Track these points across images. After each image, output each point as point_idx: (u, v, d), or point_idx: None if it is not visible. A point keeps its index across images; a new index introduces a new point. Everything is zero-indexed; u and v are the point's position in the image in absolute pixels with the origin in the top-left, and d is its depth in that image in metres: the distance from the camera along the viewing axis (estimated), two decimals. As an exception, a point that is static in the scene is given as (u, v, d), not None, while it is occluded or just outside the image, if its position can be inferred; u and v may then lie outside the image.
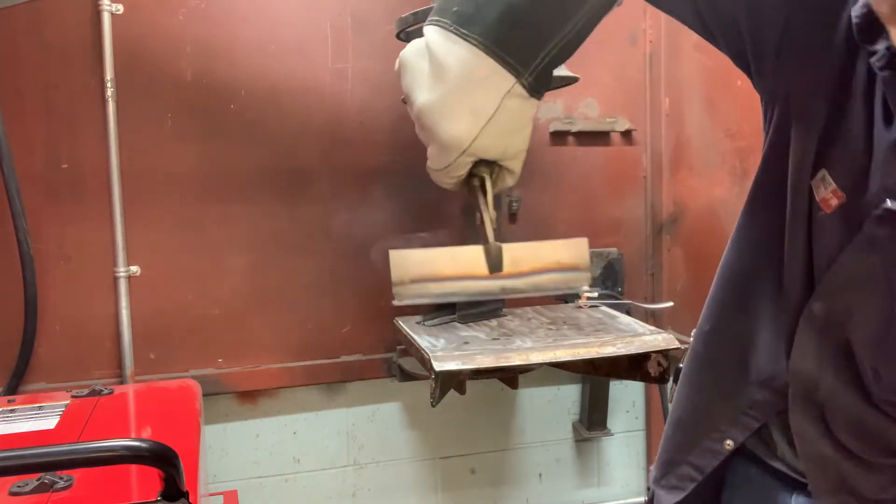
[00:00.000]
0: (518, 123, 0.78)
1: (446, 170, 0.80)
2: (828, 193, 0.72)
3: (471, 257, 0.81)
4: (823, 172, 0.73)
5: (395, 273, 0.79)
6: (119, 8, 1.70)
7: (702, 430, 0.89)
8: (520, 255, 0.82)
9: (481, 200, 0.82)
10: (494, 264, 0.81)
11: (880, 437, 0.73)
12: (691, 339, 0.94)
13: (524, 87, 0.75)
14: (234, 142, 1.80)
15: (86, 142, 1.70)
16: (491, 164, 0.82)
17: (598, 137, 2.07)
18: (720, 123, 1.82)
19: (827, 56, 0.72)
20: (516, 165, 0.83)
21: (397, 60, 0.83)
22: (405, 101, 0.85)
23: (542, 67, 0.75)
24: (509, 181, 0.85)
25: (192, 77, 1.76)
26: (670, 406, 0.97)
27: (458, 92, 0.75)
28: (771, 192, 0.80)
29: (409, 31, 1.60)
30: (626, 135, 2.10)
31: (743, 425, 0.84)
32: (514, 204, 1.95)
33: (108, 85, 1.69)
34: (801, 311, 0.76)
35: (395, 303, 0.82)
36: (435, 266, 0.80)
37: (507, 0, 0.73)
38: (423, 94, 0.78)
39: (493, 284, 0.81)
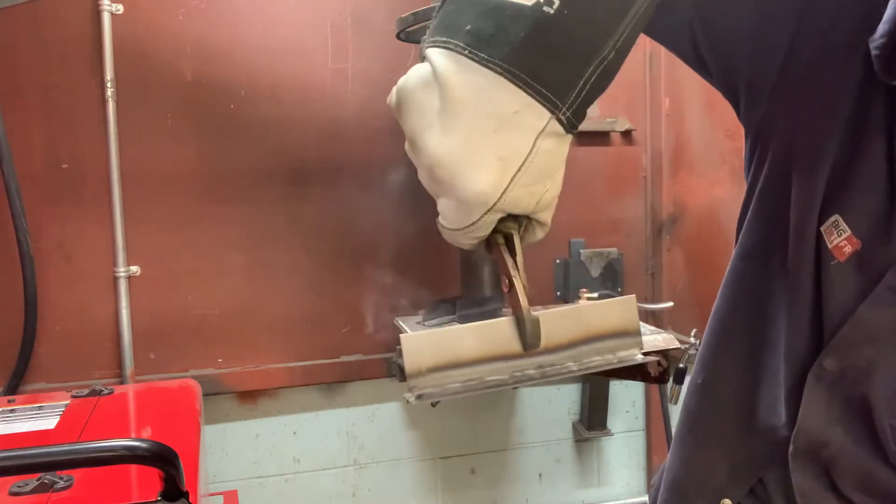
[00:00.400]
0: (552, 166, 0.65)
1: (467, 230, 0.65)
2: (841, 240, 0.67)
3: (500, 334, 0.68)
4: (836, 217, 0.68)
5: (410, 362, 0.65)
6: (119, 8, 1.70)
7: (697, 492, 0.84)
8: (557, 324, 0.69)
9: (508, 262, 0.67)
10: (531, 340, 0.68)
11: (892, 493, 0.69)
12: (687, 344, 0.91)
13: (561, 123, 0.62)
14: (233, 142, 1.80)
15: (86, 142, 1.70)
16: (518, 218, 0.68)
17: (598, 137, 2.07)
18: (720, 123, 1.82)
19: (839, 86, 0.67)
20: (548, 216, 0.69)
21: (393, 94, 0.68)
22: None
23: (582, 98, 0.62)
24: (539, 234, 0.70)
25: (192, 77, 1.76)
26: (671, 405, 0.95)
27: (480, 134, 0.61)
28: (767, 236, 0.76)
29: (409, 31, 1.60)
30: (626, 135, 2.10)
31: (740, 481, 0.80)
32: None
33: (108, 85, 1.69)
34: (806, 364, 0.71)
35: (410, 399, 0.67)
36: (457, 349, 0.67)
37: (535, 15, 0.58)
38: (434, 138, 0.62)
39: (529, 363, 0.69)
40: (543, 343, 0.68)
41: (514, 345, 0.68)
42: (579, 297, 1.80)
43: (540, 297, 2.01)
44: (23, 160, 1.65)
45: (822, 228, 0.69)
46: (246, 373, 1.84)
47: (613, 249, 2.07)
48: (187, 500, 0.76)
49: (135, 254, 1.75)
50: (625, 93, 2.08)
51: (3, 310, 1.66)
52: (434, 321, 1.64)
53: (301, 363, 1.88)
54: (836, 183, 0.68)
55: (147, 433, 1.23)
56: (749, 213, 0.79)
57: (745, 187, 0.80)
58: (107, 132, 1.70)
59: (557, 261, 2.04)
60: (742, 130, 0.82)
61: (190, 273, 1.79)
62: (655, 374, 1.44)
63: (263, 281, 1.84)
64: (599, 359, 0.70)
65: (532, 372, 0.68)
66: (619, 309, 0.72)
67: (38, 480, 0.92)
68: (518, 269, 0.67)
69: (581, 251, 2.04)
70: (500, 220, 0.66)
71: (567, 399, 2.16)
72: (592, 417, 2.11)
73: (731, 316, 0.82)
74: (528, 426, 2.14)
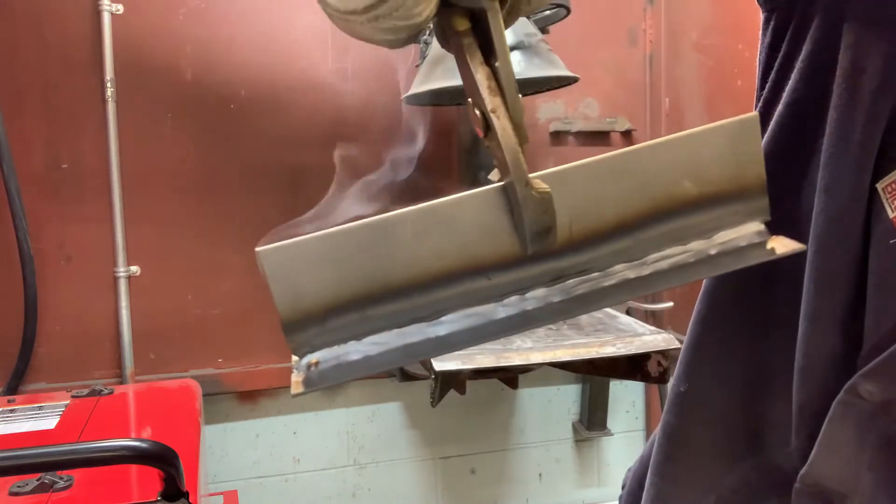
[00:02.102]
0: None
1: (373, 11, 0.33)
2: None
3: (475, 221, 0.33)
4: None
5: (285, 296, 0.35)
6: (119, 8, 1.70)
7: None
8: (592, 189, 0.33)
9: (479, 74, 0.32)
10: (538, 229, 0.32)
11: None
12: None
13: None
14: (234, 141, 1.79)
15: (86, 142, 1.70)
16: None
17: (598, 137, 2.07)
18: (720, 123, 1.82)
19: None
20: None
21: None
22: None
23: None
24: None
25: (192, 77, 1.76)
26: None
27: None
28: (788, 183, 0.53)
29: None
30: (627, 135, 2.10)
31: None
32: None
33: (108, 85, 1.69)
34: (830, 377, 0.52)
35: (297, 378, 0.38)
36: (384, 258, 0.32)
37: None
38: None
39: (537, 274, 0.33)
40: (566, 231, 0.33)
41: (505, 239, 0.33)
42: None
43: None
44: (23, 160, 1.64)
45: (880, 185, 0.47)
46: (246, 373, 1.84)
47: (613, 249, 2.07)
48: (187, 500, 0.76)
49: (135, 254, 1.75)
50: (625, 93, 2.08)
51: (3, 310, 1.66)
52: (434, 321, 1.63)
53: (301, 363, 1.88)
54: None
55: (147, 433, 1.23)
56: (764, 143, 0.54)
57: None
58: (107, 132, 1.70)
59: (557, 261, 2.04)
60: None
61: (190, 273, 1.79)
62: (655, 374, 1.43)
63: (263, 281, 1.84)
64: (685, 250, 0.36)
65: (544, 292, 0.33)
66: (724, 142, 0.36)
67: (38, 480, 0.92)
68: (501, 87, 0.32)
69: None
70: None
71: (567, 399, 2.16)
72: (592, 417, 2.10)
73: (723, 302, 0.61)
74: (528, 426, 2.14)
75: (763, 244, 0.38)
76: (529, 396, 2.13)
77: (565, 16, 1.59)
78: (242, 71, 1.79)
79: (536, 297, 0.34)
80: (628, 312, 1.85)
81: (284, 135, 1.83)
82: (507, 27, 0.33)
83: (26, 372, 1.68)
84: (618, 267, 0.34)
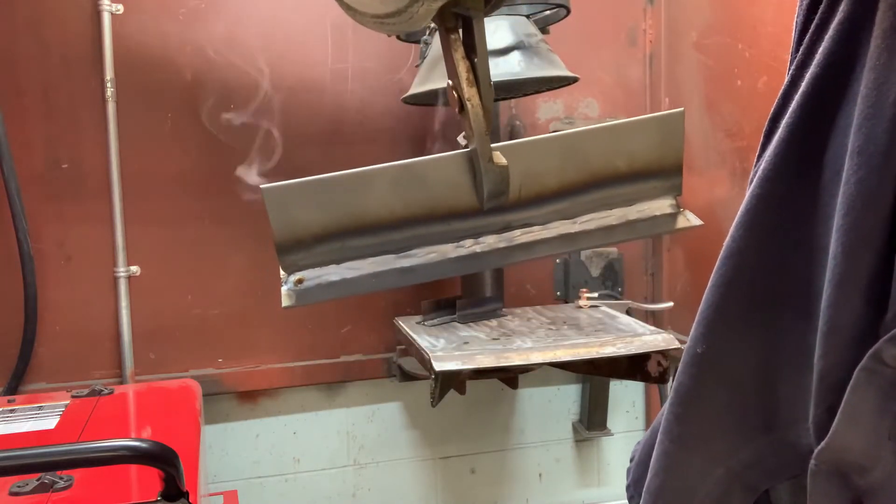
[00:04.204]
0: None
1: (389, 20, 0.39)
2: None
3: (441, 178, 0.41)
4: None
5: (280, 224, 0.39)
6: (119, 8, 1.70)
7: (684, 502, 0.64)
8: (543, 160, 0.40)
9: (460, 66, 0.38)
10: (496, 185, 0.38)
11: None
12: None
13: None
14: (233, 142, 1.79)
15: (86, 142, 1.70)
16: None
17: (598, 137, 2.07)
18: (720, 123, 1.82)
19: None
20: None
21: None
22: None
23: None
24: None
25: (192, 77, 1.76)
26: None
27: None
28: (817, 154, 0.52)
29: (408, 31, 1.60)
30: (626, 135, 2.10)
31: (738, 495, 0.60)
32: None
33: (108, 85, 1.69)
34: (854, 345, 0.50)
35: (286, 289, 0.42)
36: (363, 202, 0.41)
37: None
38: None
39: (489, 225, 0.41)
40: (517, 192, 0.40)
41: (466, 195, 0.40)
42: (579, 297, 1.80)
43: (539, 298, 2.01)
44: (23, 160, 1.64)
45: None
46: (246, 373, 1.84)
47: (613, 249, 2.07)
48: (187, 500, 0.76)
49: (135, 254, 1.75)
50: (625, 93, 2.08)
51: (3, 310, 1.66)
52: (434, 322, 1.64)
53: (301, 363, 1.88)
54: None
55: (147, 433, 1.23)
56: (795, 104, 0.52)
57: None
58: (107, 132, 1.70)
59: (557, 261, 2.04)
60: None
61: (190, 273, 1.79)
62: (655, 374, 1.43)
63: (263, 281, 1.84)
64: (609, 214, 0.43)
65: (493, 239, 0.41)
66: (653, 130, 0.43)
67: (38, 480, 0.92)
68: (478, 80, 0.39)
69: (581, 251, 2.04)
70: None
71: (567, 399, 2.16)
72: (592, 417, 2.10)
73: (746, 262, 0.58)
74: (528, 426, 2.14)
75: (672, 215, 0.48)
76: (529, 396, 2.13)
77: (565, 16, 1.59)
78: (242, 71, 1.79)
79: (486, 242, 0.42)
80: (628, 312, 1.85)
81: (283, 135, 1.83)
82: (491, 14, 0.40)
83: (26, 372, 1.68)
84: (554, 223, 0.43)
